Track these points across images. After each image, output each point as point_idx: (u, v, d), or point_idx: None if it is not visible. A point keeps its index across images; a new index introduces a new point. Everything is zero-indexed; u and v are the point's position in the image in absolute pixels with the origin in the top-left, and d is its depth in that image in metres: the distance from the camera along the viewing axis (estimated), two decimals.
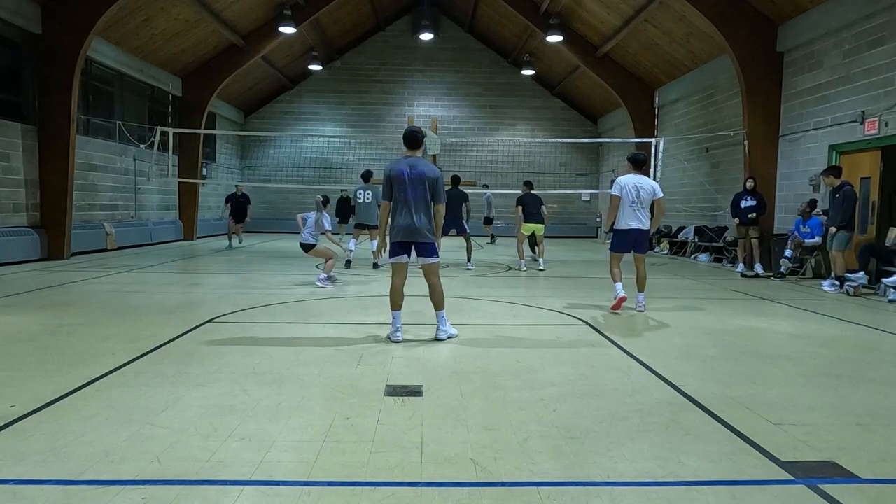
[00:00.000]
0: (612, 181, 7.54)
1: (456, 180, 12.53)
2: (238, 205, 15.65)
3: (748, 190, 11.51)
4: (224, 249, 15.31)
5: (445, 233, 11.90)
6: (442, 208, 5.56)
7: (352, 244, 11.51)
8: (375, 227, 11.32)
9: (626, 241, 7.18)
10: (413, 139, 5.54)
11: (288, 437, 3.19)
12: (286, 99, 24.43)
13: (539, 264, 11.94)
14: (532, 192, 12.00)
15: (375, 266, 11.13)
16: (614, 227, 7.24)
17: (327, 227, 9.06)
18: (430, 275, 5.56)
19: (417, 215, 5.37)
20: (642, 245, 7.22)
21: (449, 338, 5.54)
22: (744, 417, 3.58)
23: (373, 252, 11.34)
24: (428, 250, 5.48)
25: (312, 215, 9.03)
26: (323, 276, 8.87)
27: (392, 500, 2.54)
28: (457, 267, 11.76)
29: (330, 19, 20.41)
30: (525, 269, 11.53)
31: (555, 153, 23.90)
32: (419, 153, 5.57)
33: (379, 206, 10.87)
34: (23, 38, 11.64)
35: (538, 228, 11.83)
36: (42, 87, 11.86)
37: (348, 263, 11.19)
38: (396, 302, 5.50)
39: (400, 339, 5.42)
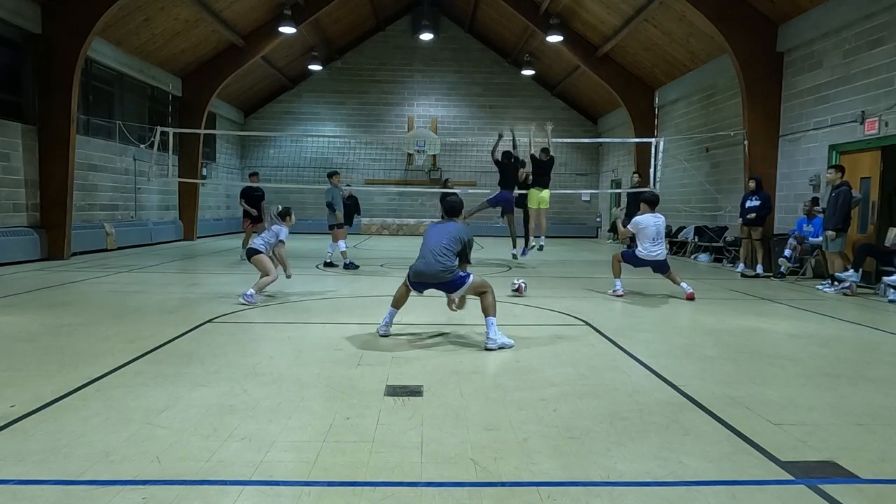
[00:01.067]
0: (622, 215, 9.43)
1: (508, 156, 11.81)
2: (255, 199, 12.70)
3: (752, 190, 11.52)
4: (240, 261, 11.93)
5: (495, 204, 11.79)
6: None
7: (342, 245, 11.14)
8: (337, 226, 11.12)
9: (642, 263, 8.29)
10: (451, 209, 5.66)
11: (288, 437, 3.19)
12: (286, 99, 24.42)
13: (541, 241, 11.68)
14: (545, 159, 11.42)
15: (347, 266, 10.82)
16: (636, 252, 8.27)
17: (282, 238, 7.95)
18: (474, 294, 5.46)
19: (433, 260, 5.33)
20: (663, 269, 8.32)
21: (500, 348, 5.20)
22: (744, 417, 3.58)
23: (342, 252, 11.04)
24: (453, 286, 5.43)
25: (274, 228, 8.04)
26: (250, 291, 7.35)
27: (392, 500, 2.54)
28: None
29: (330, 19, 20.41)
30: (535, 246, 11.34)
31: (555, 153, 23.86)
32: (458, 220, 5.67)
33: (330, 206, 11.03)
34: (23, 38, 11.63)
35: (544, 198, 11.25)
36: (42, 87, 11.85)
37: (349, 265, 10.96)
38: (397, 300, 5.64)
39: (384, 333, 5.56)
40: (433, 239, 5.47)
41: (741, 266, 11.79)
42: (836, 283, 9.10)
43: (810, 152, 11.37)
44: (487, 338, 5.21)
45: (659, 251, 8.10)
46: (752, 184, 11.54)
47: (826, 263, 9.65)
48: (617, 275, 8.41)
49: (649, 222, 8.10)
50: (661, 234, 8.15)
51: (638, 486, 2.69)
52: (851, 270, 8.86)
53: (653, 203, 8.31)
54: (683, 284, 8.10)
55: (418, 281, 5.51)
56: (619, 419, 3.53)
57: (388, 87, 24.36)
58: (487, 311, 5.29)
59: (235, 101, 22.53)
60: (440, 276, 5.38)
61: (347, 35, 23.04)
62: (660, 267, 8.28)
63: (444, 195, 5.69)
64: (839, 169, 9.33)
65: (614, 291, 8.31)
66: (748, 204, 11.48)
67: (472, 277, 5.47)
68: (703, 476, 2.81)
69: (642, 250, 8.12)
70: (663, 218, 8.36)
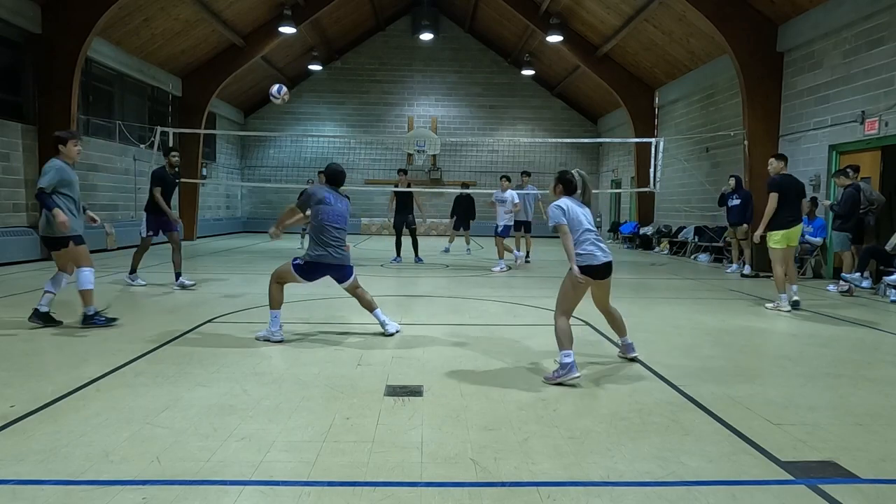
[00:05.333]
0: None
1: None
2: None
3: (733, 189, 11.54)
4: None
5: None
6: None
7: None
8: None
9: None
10: (339, 177, 5.67)
11: (288, 437, 3.19)
12: None
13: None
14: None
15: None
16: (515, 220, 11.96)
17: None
18: (353, 291, 5.67)
19: (341, 243, 5.47)
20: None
21: (397, 332, 5.62)
22: (744, 417, 3.58)
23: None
24: (348, 273, 5.56)
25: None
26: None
27: (392, 500, 2.54)
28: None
29: (330, 19, 20.41)
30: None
31: (555, 153, 23.89)
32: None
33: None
34: (23, 38, 11.63)
35: (794, 234, 7.47)
36: (42, 87, 11.85)
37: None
38: (279, 299, 5.45)
39: (280, 338, 5.31)
40: (340, 213, 5.44)
41: (733, 267, 11.79)
42: (842, 282, 9.10)
43: (810, 152, 11.37)
44: (385, 325, 5.60)
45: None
46: (731, 182, 11.55)
47: (825, 263, 9.65)
48: (502, 255, 11.32)
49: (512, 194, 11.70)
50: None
51: (638, 486, 2.69)
52: (858, 274, 8.86)
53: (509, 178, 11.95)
54: (517, 252, 11.86)
55: (319, 268, 5.40)
56: (619, 419, 3.52)
57: (388, 87, 24.35)
58: (372, 305, 5.64)
59: (235, 101, 22.52)
60: (345, 259, 5.47)
61: (347, 35, 23.04)
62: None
63: (329, 165, 5.79)
64: (844, 173, 9.28)
65: (501, 269, 10.76)
66: (730, 203, 11.52)
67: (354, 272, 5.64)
68: (703, 476, 2.81)
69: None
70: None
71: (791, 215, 7.28)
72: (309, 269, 5.39)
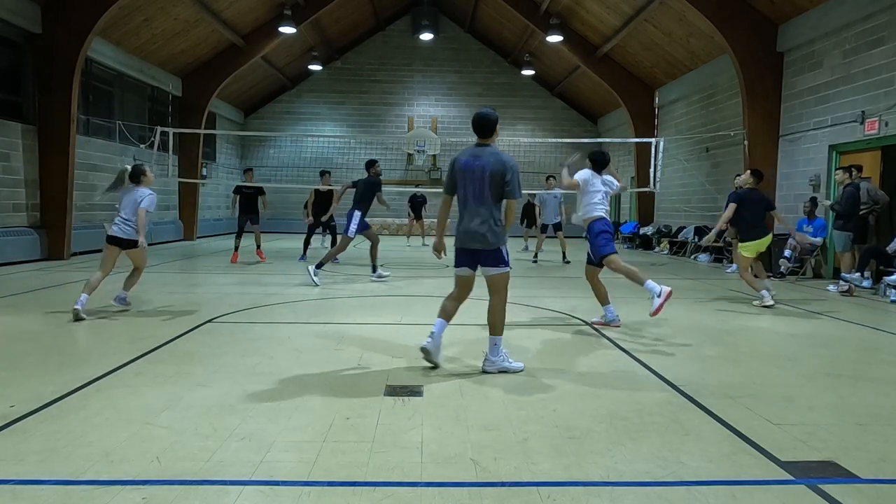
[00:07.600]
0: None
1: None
2: (417, 205, 18.73)
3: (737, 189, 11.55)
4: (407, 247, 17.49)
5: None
6: (513, 204, 4.46)
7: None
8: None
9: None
10: (487, 123, 4.46)
11: (288, 437, 3.19)
12: (286, 99, 24.42)
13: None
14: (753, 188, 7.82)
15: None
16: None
17: (147, 205, 6.62)
18: (495, 291, 4.56)
19: (478, 215, 4.39)
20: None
21: (501, 372, 4.41)
22: (744, 417, 3.58)
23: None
24: (495, 259, 4.43)
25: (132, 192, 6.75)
26: (122, 294, 6.74)
27: (392, 500, 2.54)
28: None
29: (330, 19, 20.41)
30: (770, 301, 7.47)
31: (555, 153, 23.88)
32: (490, 142, 4.52)
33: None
34: (23, 38, 11.63)
35: (764, 244, 7.62)
36: (42, 87, 11.85)
37: None
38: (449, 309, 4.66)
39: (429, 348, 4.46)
40: (475, 180, 4.31)
41: (734, 267, 11.79)
42: (842, 282, 9.11)
43: (810, 152, 11.37)
44: (487, 359, 4.45)
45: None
46: (737, 180, 11.57)
47: (826, 262, 9.65)
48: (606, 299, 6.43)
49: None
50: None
51: (638, 486, 2.69)
52: (858, 274, 8.86)
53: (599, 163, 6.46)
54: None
55: (464, 247, 4.42)
56: (619, 419, 3.52)
57: (388, 87, 24.36)
58: (496, 328, 4.45)
59: (235, 101, 22.53)
60: (485, 239, 4.34)
61: (347, 35, 23.04)
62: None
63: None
64: (846, 170, 9.29)
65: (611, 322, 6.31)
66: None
67: (508, 266, 4.47)
68: (703, 476, 2.81)
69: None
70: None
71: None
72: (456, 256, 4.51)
